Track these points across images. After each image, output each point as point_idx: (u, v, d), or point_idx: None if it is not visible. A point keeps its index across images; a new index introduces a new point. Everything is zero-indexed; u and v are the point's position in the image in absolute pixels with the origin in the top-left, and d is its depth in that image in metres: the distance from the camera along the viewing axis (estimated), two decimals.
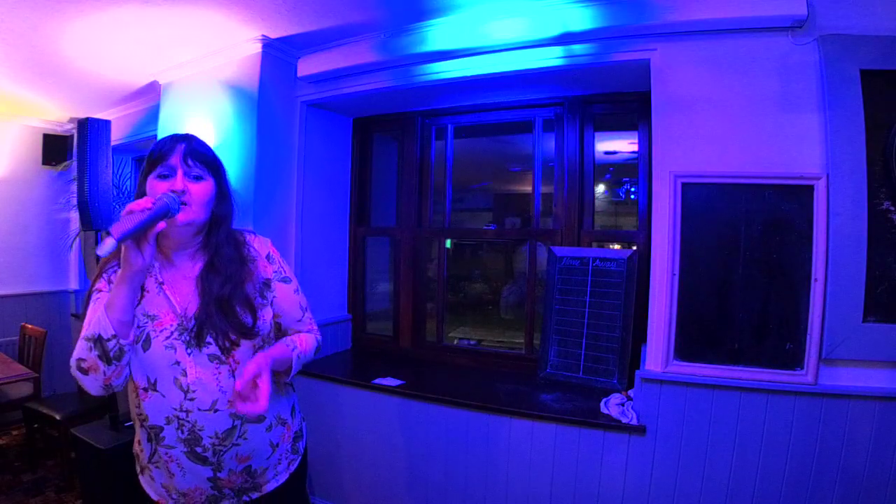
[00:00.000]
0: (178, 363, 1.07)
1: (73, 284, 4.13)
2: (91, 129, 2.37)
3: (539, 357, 2.30)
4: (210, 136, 2.57)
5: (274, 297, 1.20)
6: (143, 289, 1.08)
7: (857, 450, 1.58)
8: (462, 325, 4.40)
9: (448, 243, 2.92)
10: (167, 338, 1.08)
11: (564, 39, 1.95)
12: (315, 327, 1.31)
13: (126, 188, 3.78)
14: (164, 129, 2.83)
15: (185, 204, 1.05)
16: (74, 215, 3.72)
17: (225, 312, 1.09)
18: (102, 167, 2.41)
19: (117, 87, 3.15)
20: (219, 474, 1.11)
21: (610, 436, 1.83)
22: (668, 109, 1.80)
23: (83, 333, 1.01)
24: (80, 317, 3.92)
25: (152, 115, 3.06)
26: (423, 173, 2.75)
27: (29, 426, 2.99)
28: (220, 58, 2.53)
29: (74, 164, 3.17)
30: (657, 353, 1.78)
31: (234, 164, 2.47)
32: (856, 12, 1.61)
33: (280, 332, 1.26)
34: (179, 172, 1.06)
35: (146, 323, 1.08)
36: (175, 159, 1.06)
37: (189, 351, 1.08)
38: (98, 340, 0.99)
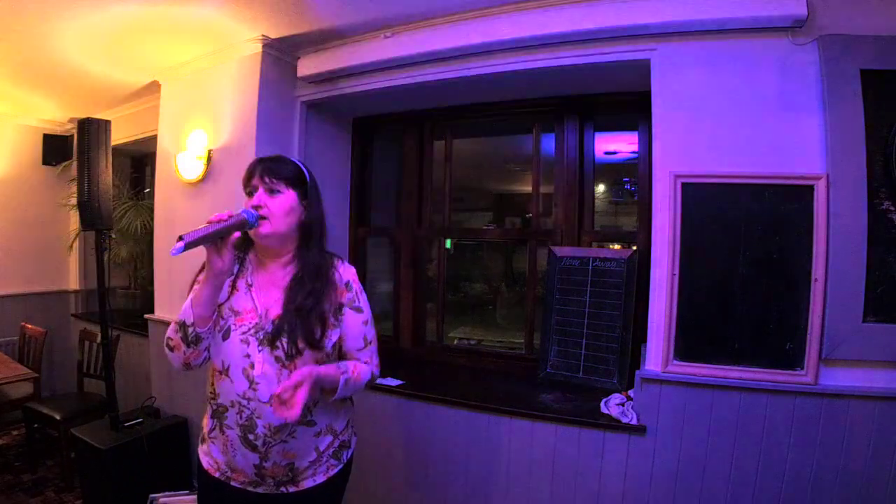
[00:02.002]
0: (248, 356, 1.20)
1: (73, 284, 4.13)
2: (91, 129, 2.37)
3: (539, 357, 2.30)
4: (210, 136, 2.57)
5: (342, 320, 1.29)
6: (234, 287, 1.25)
7: (857, 450, 1.58)
8: (462, 325, 4.41)
9: (448, 243, 2.92)
10: (244, 332, 1.21)
11: (564, 39, 1.95)
12: (374, 361, 1.36)
13: (126, 188, 3.79)
14: (165, 129, 2.83)
15: (265, 217, 1.19)
16: (74, 215, 3.73)
17: (301, 321, 1.19)
18: (102, 167, 2.41)
19: (117, 87, 3.16)
20: (264, 463, 1.21)
21: (610, 436, 1.83)
22: (668, 109, 1.80)
23: (176, 317, 1.20)
24: (80, 316, 3.95)
25: (152, 115, 3.06)
26: (423, 173, 2.75)
27: (29, 426, 2.98)
28: (220, 58, 2.53)
29: (74, 164, 3.17)
30: (657, 353, 1.78)
31: (233, 164, 2.47)
32: (855, 12, 1.61)
33: (341, 355, 1.33)
34: (260, 189, 1.21)
35: (230, 316, 1.22)
36: (256, 179, 1.22)
37: (260, 348, 1.20)
38: (182, 325, 1.18)
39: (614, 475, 1.82)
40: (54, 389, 3.81)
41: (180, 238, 1.02)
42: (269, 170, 1.22)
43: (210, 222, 1.09)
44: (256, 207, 1.19)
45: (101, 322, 2.56)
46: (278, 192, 1.21)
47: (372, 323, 1.36)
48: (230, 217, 1.12)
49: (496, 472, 2.00)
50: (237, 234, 1.13)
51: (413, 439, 2.16)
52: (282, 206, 1.21)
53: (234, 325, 1.22)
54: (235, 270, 1.29)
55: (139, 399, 2.93)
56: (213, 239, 1.09)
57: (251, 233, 1.21)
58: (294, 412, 1.06)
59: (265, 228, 1.19)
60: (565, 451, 1.89)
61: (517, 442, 1.96)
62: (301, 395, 1.08)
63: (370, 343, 1.34)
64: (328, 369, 1.20)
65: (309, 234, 1.26)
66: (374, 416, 2.22)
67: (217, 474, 1.27)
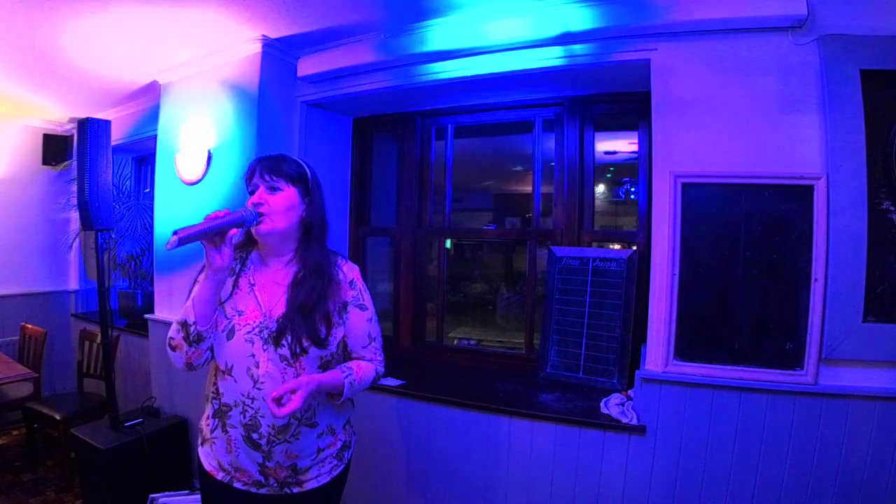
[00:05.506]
0: (253, 356, 1.20)
1: (73, 284, 4.13)
2: (91, 129, 2.37)
3: (539, 357, 2.30)
4: (210, 136, 2.57)
5: (347, 319, 1.29)
6: (236, 286, 1.26)
7: (857, 450, 1.58)
8: (462, 325, 4.40)
9: (448, 243, 2.92)
10: (248, 332, 1.21)
11: (564, 39, 1.95)
12: (379, 358, 1.37)
13: (126, 188, 3.79)
14: (165, 129, 2.83)
15: (264, 215, 1.19)
16: (74, 215, 3.72)
17: (305, 320, 1.20)
18: (102, 167, 2.41)
19: (117, 87, 3.15)
20: (267, 463, 1.22)
21: (610, 436, 1.83)
22: (668, 109, 1.80)
23: (177, 317, 1.21)
24: (80, 317, 3.95)
25: (152, 115, 3.06)
26: (423, 173, 2.75)
27: (29, 426, 2.98)
28: (220, 58, 2.53)
29: (74, 164, 3.17)
30: (657, 353, 1.78)
31: (233, 164, 2.48)
32: (856, 12, 1.61)
33: (346, 352, 1.34)
34: (260, 187, 1.22)
35: (233, 316, 1.23)
36: (257, 177, 1.23)
37: (265, 347, 1.20)
38: (184, 324, 1.19)
39: (614, 475, 1.82)
40: (54, 389, 3.80)
41: (175, 233, 1.03)
42: (269, 168, 1.22)
43: (207, 219, 1.10)
44: (257, 205, 1.19)
45: (101, 322, 2.56)
46: (279, 189, 1.22)
47: (375, 320, 1.37)
48: (227, 214, 1.13)
49: (496, 472, 2.00)
50: (235, 231, 1.14)
51: (413, 439, 2.16)
52: (281, 203, 1.21)
53: (239, 324, 1.22)
54: (238, 270, 1.29)
55: (139, 399, 2.93)
56: (208, 235, 1.10)
57: (253, 231, 1.21)
58: (283, 412, 1.07)
59: (265, 226, 1.20)
60: (565, 452, 1.88)
61: (517, 442, 1.96)
62: (295, 400, 1.09)
63: (374, 340, 1.35)
64: (331, 376, 1.21)
65: (310, 231, 1.26)
66: (374, 416, 2.22)
67: (220, 476, 1.26)
